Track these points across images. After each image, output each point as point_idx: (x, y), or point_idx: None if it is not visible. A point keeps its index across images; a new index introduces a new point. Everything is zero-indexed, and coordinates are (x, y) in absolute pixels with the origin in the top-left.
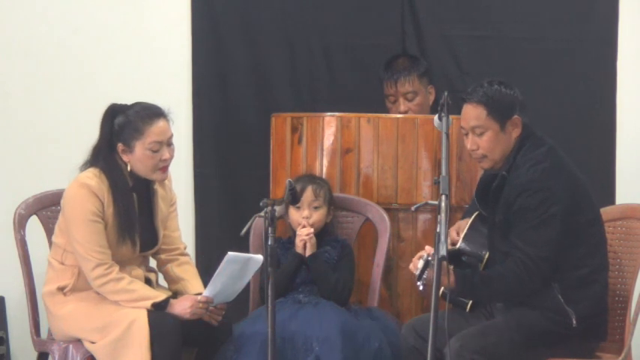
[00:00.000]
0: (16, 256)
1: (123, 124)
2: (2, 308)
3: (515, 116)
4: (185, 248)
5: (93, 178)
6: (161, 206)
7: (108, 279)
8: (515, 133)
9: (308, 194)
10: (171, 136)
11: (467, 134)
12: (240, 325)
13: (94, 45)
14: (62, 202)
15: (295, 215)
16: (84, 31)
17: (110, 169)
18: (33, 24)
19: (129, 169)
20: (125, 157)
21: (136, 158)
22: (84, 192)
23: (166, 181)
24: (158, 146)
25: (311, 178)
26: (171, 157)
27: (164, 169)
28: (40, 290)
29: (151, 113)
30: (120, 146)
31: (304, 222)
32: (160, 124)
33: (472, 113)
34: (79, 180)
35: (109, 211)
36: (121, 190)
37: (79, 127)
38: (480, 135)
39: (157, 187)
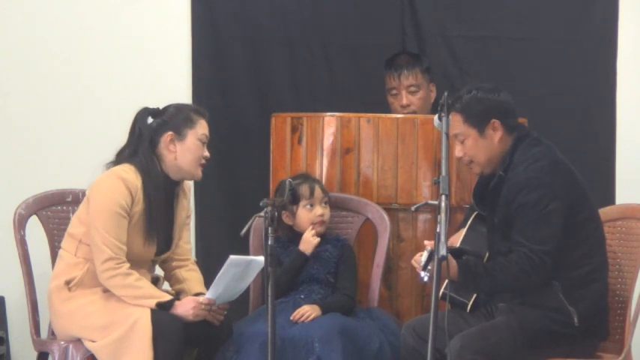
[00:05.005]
0: (16, 256)
1: (173, 114)
2: (2, 308)
3: (493, 120)
4: (195, 262)
5: (129, 172)
6: (181, 213)
7: (116, 272)
8: (496, 136)
9: (318, 192)
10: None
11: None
12: (240, 325)
13: (94, 45)
14: (90, 191)
15: (308, 215)
16: (84, 32)
17: (148, 167)
18: (33, 24)
19: (175, 159)
20: (172, 147)
21: (186, 147)
22: (118, 184)
23: (187, 192)
24: (205, 139)
25: (310, 177)
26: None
27: (202, 166)
28: (40, 290)
29: (199, 109)
30: (169, 135)
31: (319, 220)
32: (205, 122)
33: (454, 122)
34: (115, 172)
35: (137, 208)
36: (155, 188)
37: (79, 127)
38: (462, 142)
39: (180, 193)
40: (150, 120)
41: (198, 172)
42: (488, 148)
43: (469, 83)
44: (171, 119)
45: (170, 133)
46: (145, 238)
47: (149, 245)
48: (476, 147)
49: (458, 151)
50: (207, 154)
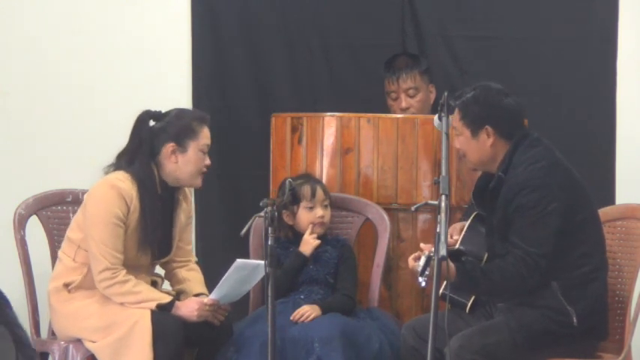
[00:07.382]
0: (16, 256)
1: (175, 122)
2: None
3: (487, 126)
4: (196, 261)
5: (124, 181)
6: (181, 217)
7: (114, 282)
8: (489, 142)
9: (320, 193)
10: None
11: None
12: (240, 326)
13: (94, 45)
14: (86, 197)
15: (308, 216)
16: (83, 31)
17: (144, 175)
18: (33, 24)
19: (176, 170)
20: (174, 158)
21: (188, 159)
22: (113, 193)
23: (188, 195)
24: (207, 149)
25: (312, 178)
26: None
27: (203, 175)
28: (40, 290)
29: (201, 117)
30: (170, 146)
31: (319, 221)
32: (207, 129)
33: (455, 115)
34: (110, 181)
35: (134, 216)
36: (150, 198)
37: (79, 127)
38: (458, 136)
39: (181, 198)
40: (151, 123)
41: (199, 181)
42: (478, 151)
43: (469, 83)
44: (173, 128)
45: (172, 144)
46: (139, 247)
47: (143, 254)
48: (467, 146)
49: (456, 143)
50: (208, 162)
